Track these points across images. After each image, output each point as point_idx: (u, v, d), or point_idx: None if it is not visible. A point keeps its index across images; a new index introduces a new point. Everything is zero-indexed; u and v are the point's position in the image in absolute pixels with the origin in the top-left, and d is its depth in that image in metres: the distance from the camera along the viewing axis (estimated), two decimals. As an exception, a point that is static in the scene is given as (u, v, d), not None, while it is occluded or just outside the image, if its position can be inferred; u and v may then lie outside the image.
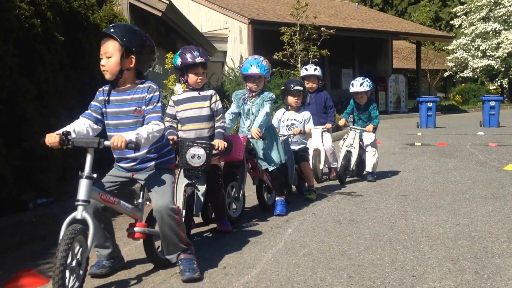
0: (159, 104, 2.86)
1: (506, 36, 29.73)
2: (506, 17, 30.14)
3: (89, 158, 2.61)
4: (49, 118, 4.15)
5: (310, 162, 5.39)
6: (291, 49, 13.34)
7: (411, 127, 15.77)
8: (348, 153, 5.95)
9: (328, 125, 6.00)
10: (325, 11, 22.34)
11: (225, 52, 18.49)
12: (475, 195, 5.07)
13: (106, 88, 2.95)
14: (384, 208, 4.59)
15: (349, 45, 22.04)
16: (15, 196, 3.74)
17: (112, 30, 2.82)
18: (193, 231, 3.93)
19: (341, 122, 6.23)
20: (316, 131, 5.83)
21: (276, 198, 4.52)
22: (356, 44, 22.48)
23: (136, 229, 2.88)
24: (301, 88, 5.06)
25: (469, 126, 15.49)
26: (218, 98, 3.89)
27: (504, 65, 30.26)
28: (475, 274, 2.83)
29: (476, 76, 32.06)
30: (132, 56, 2.82)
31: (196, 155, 3.51)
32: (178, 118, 3.86)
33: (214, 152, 3.65)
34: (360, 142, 6.08)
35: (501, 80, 30.93)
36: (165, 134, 3.82)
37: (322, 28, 13.71)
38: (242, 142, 4.10)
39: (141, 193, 2.98)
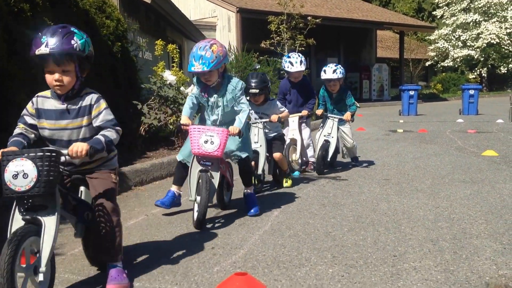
0: None
1: (485, 27, 30.25)
2: (486, 8, 30.63)
3: None
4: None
5: (284, 151, 5.12)
6: (278, 37, 13.38)
7: (394, 114, 15.98)
8: (326, 143, 5.70)
9: (304, 112, 5.56)
10: (311, 0, 22.32)
11: (213, 41, 18.46)
12: (454, 179, 5.21)
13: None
14: (367, 191, 4.70)
15: (335, 34, 22.13)
16: None
17: None
18: (180, 212, 3.99)
19: (319, 111, 5.91)
20: (293, 119, 5.53)
21: (246, 190, 4.10)
22: (342, 33, 22.58)
23: None
24: (256, 91, 4.63)
25: (449, 113, 15.80)
26: (103, 106, 2.53)
27: (483, 55, 30.86)
28: (454, 254, 2.92)
29: (456, 66, 32.66)
30: None
31: (20, 172, 2.16)
32: (42, 135, 2.50)
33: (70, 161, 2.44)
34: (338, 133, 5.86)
35: (480, 69, 31.59)
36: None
37: (309, 18, 13.77)
38: (225, 138, 3.59)
39: None
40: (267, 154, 4.81)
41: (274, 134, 4.92)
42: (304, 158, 5.83)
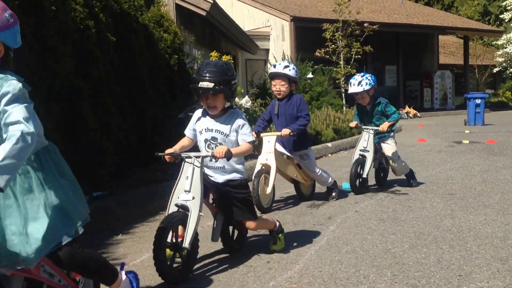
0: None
1: (560, 30, 28.43)
2: (559, 9, 28.83)
3: None
4: (102, 116, 4.36)
5: (253, 186, 4.08)
6: (333, 45, 13.24)
7: (459, 124, 15.28)
8: (362, 158, 5.11)
9: (284, 131, 4.34)
10: (368, 6, 21.98)
11: (267, 50, 18.54)
12: (526, 194, 4.90)
13: None
14: (430, 207, 4.50)
15: (393, 40, 21.58)
16: None
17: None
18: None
19: (352, 124, 5.30)
20: (269, 139, 4.43)
21: None
22: (401, 40, 21.97)
23: None
24: (209, 86, 2.81)
25: (520, 123, 14.95)
26: None
27: (556, 60, 28.98)
28: (525, 274, 2.75)
29: (527, 72, 30.83)
30: None
31: None
32: None
33: None
34: (377, 146, 5.28)
35: (554, 75, 29.66)
36: None
37: (365, 24, 13.53)
38: None
39: None
40: (201, 214, 2.84)
41: (228, 178, 3.04)
42: (325, 183, 4.88)
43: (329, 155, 8.43)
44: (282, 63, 4.62)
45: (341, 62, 13.26)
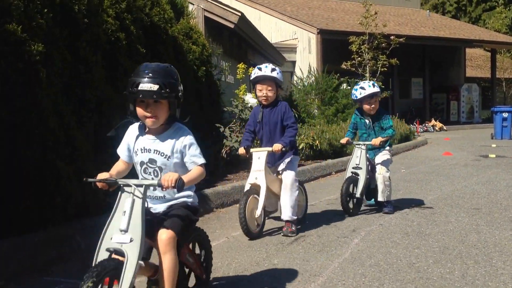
0: None
1: None
2: None
3: None
4: (131, 127, 4.49)
5: (239, 208, 3.84)
6: (359, 58, 13.26)
7: (485, 138, 15.03)
8: (354, 176, 4.76)
9: (276, 147, 3.95)
10: (395, 19, 21.92)
11: (294, 62, 18.73)
12: (555, 211, 4.80)
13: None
14: (455, 221, 4.47)
15: (419, 53, 21.44)
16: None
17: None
18: (264, 235, 4.06)
19: (343, 140, 4.98)
20: (259, 156, 4.02)
21: None
22: (427, 53, 21.82)
23: None
24: (154, 89, 2.24)
25: (550, 138, 14.59)
26: None
27: None
28: (553, 293, 2.73)
29: (558, 85, 30.14)
30: None
31: None
32: None
33: None
34: (372, 162, 4.93)
35: None
36: None
37: (392, 37, 13.50)
38: None
39: None
40: (141, 262, 2.17)
41: (169, 205, 2.46)
42: (289, 214, 4.09)
43: (353, 167, 8.42)
44: (268, 65, 4.17)
45: (367, 75, 13.24)
